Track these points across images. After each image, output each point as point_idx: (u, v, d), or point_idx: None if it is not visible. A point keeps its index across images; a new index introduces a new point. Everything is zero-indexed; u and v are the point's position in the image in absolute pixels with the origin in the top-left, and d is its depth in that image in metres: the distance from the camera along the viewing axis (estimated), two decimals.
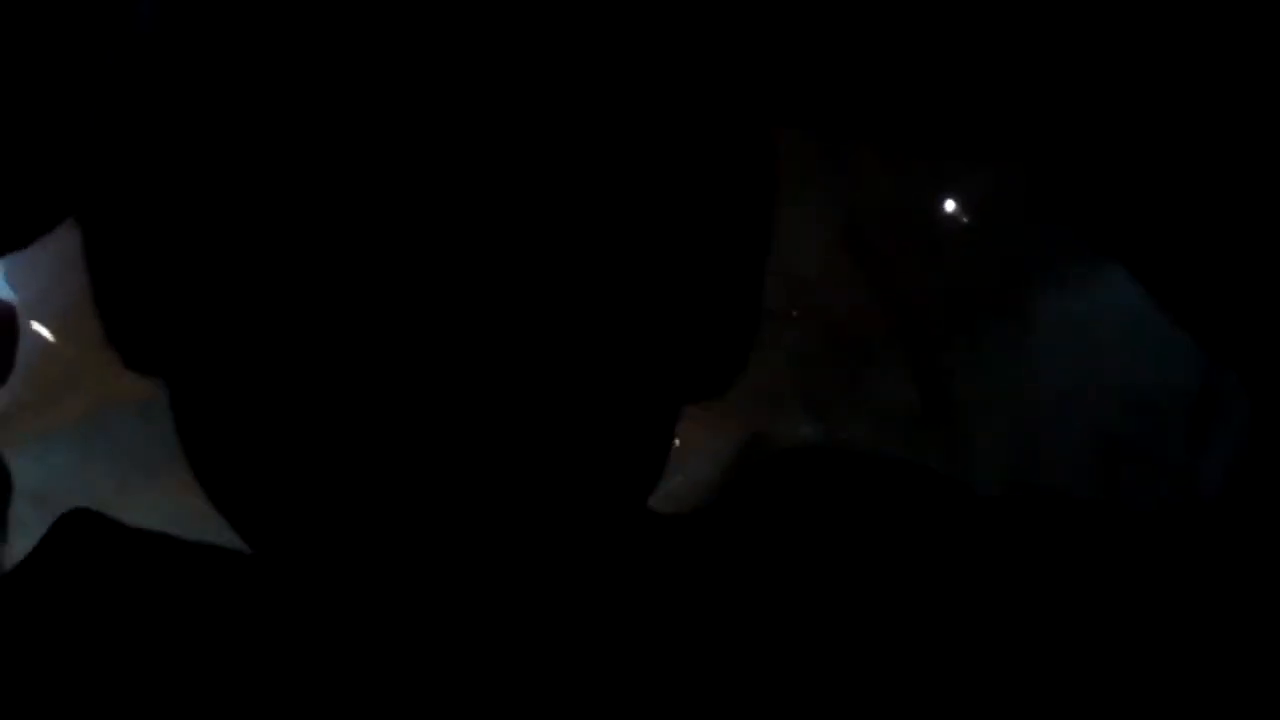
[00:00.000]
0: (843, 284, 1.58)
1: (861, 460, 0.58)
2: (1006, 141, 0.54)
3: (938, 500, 0.56)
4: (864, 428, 1.24)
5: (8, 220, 0.57)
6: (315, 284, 0.45)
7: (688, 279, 0.48)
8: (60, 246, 0.57)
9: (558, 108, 0.45)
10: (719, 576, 0.54)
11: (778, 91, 0.52)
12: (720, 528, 0.56)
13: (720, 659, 0.52)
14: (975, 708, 0.52)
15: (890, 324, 1.64)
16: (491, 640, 0.49)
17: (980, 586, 0.54)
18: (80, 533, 0.56)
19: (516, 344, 0.45)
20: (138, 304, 0.51)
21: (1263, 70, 0.52)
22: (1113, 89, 0.53)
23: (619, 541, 0.52)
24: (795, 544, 0.55)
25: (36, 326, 1.57)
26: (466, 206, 0.44)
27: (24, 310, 0.66)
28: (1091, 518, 0.57)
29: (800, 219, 1.30)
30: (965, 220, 1.69)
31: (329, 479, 0.47)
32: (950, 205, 1.69)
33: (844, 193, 1.61)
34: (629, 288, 0.46)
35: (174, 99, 0.47)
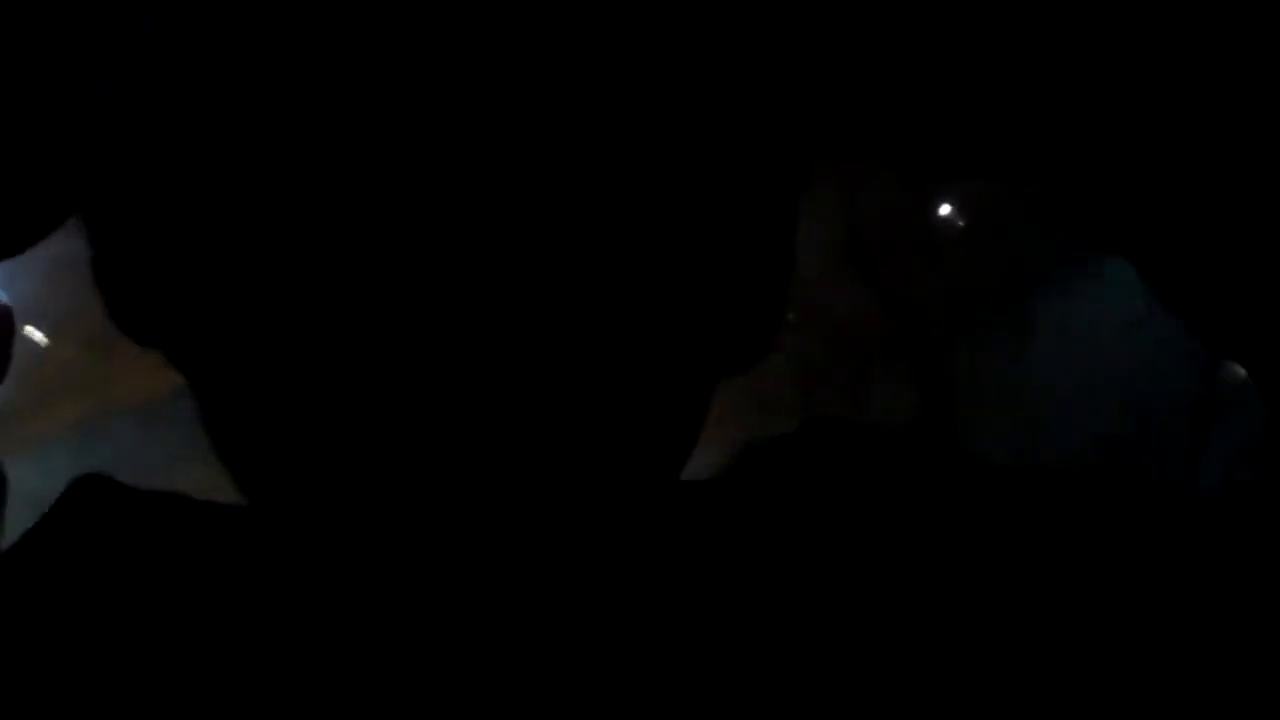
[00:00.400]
0: (843, 286, 1.58)
1: (871, 433, 0.58)
2: (1006, 151, 0.54)
3: (945, 469, 0.56)
4: (859, 435, 1.24)
5: (3, 224, 0.56)
6: (331, 264, 0.45)
7: (718, 252, 0.48)
8: (53, 250, 0.57)
9: (587, 100, 0.45)
10: (729, 545, 0.54)
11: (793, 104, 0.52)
12: (729, 500, 0.56)
13: (734, 631, 0.52)
14: (979, 682, 0.52)
15: (890, 326, 1.64)
16: (512, 614, 0.49)
17: (986, 558, 0.54)
18: (92, 495, 0.56)
19: (545, 314, 0.45)
20: (140, 286, 0.50)
21: (1261, 71, 0.51)
22: (1110, 92, 0.52)
23: (645, 510, 0.52)
24: (804, 515, 0.55)
25: (30, 330, 1.57)
26: (489, 193, 0.44)
27: (17, 314, 0.65)
28: (1099, 492, 0.57)
29: (800, 221, 1.29)
30: (963, 223, 1.69)
31: (358, 444, 0.46)
32: (947, 207, 1.69)
33: (844, 195, 1.61)
34: (659, 263, 0.46)
35: (178, 98, 0.47)
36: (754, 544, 0.54)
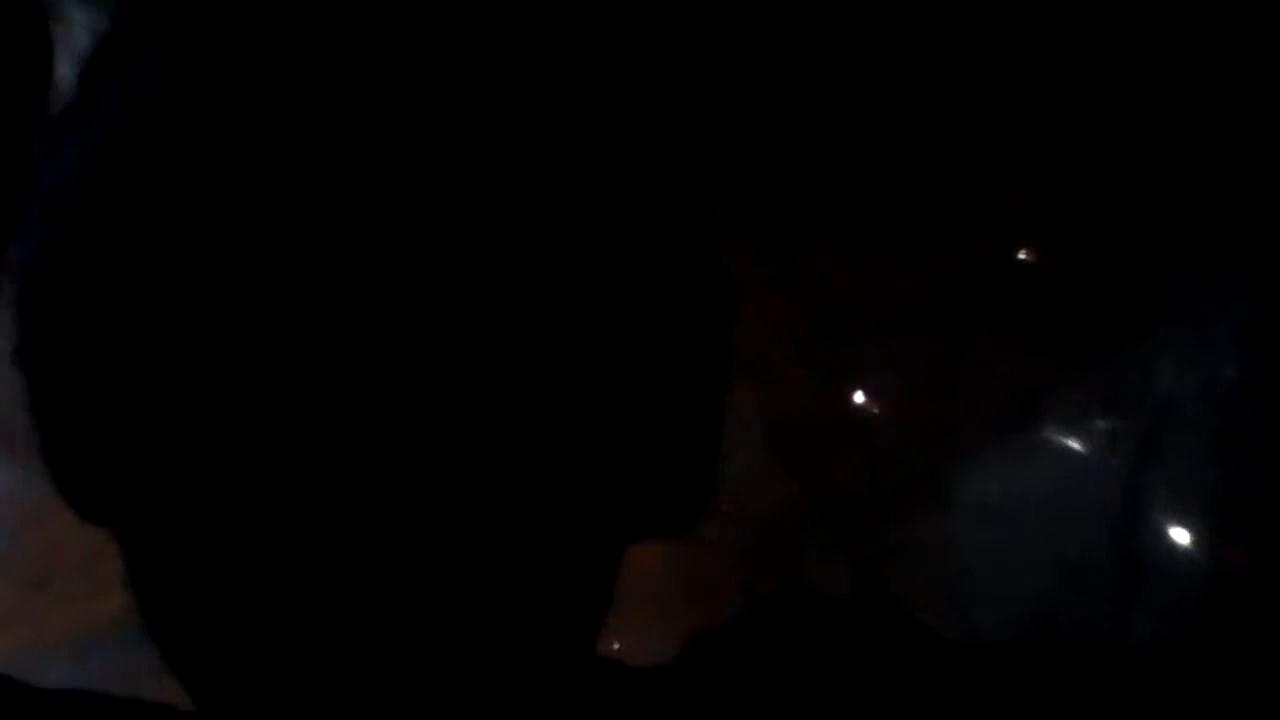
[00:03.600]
0: (770, 478, 1.60)
1: (818, 607, 0.59)
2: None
3: (896, 645, 0.57)
4: (802, 615, 1.26)
5: None
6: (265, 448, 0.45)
7: (643, 408, 0.48)
8: None
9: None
10: None
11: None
12: (687, 686, 0.56)
13: None
14: None
15: (819, 513, 1.67)
16: None
17: None
18: None
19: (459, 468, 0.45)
20: (87, 450, 0.50)
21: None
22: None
23: (568, 683, 0.52)
24: (763, 699, 0.55)
25: None
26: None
27: None
28: (1038, 657, 0.59)
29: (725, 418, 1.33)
30: (877, 410, 1.73)
31: (282, 643, 0.46)
32: (862, 396, 1.73)
33: (763, 394, 1.64)
34: (578, 415, 0.47)
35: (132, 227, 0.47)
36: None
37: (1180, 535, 1.48)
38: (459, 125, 0.45)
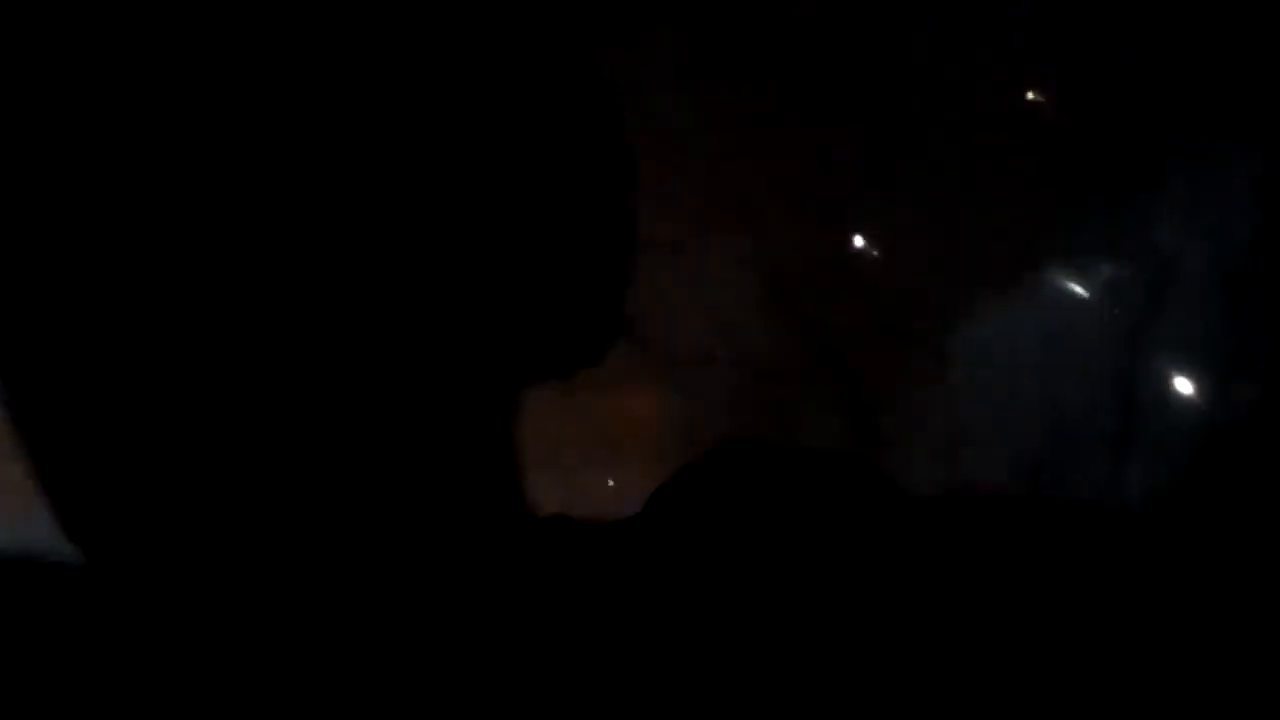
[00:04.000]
0: (769, 326, 1.60)
1: (791, 455, 0.59)
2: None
3: (865, 494, 0.57)
4: (790, 457, 1.26)
5: None
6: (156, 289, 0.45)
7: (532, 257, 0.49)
8: None
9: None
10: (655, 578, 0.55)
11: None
12: (656, 527, 0.56)
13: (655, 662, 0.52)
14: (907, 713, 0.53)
15: (814, 358, 1.68)
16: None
17: (908, 588, 0.55)
18: None
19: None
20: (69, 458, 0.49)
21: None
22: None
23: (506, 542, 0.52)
24: (728, 539, 0.55)
25: None
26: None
27: None
28: (1030, 516, 0.58)
29: (722, 266, 1.33)
30: (877, 254, 1.72)
31: (171, 490, 0.46)
32: (861, 240, 1.72)
33: (761, 235, 1.64)
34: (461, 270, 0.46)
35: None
36: (673, 575, 0.54)
37: (1181, 385, 1.48)
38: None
